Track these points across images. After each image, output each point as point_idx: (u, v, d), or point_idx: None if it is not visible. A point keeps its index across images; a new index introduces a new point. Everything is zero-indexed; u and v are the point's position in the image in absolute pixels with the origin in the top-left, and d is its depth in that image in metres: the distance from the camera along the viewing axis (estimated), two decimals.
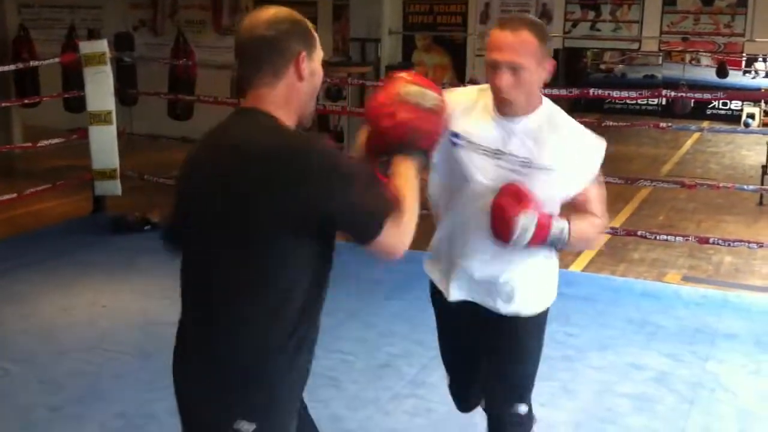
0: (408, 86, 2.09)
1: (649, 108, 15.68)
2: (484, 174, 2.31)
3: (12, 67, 7.60)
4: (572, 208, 2.39)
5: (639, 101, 15.20)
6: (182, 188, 1.96)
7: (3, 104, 8.08)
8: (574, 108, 14.51)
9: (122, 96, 8.14)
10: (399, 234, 1.85)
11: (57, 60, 8.05)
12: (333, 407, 3.88)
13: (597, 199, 2.40)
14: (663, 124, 7.46)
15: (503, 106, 2.26)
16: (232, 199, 1.80)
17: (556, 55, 11.04)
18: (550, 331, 4.65)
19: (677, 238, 6.13)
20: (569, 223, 2.30)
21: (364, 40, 9.66)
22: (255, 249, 1.80)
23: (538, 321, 2.60)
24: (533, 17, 2.31)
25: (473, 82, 9.44)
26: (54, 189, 7.24)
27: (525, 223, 2.21)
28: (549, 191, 2.30)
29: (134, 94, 8.99)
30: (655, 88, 9.72)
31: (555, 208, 2.36)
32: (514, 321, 2.52)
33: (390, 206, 1.85)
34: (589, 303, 5.25)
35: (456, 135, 2.36)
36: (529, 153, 2.29)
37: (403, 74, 2.16)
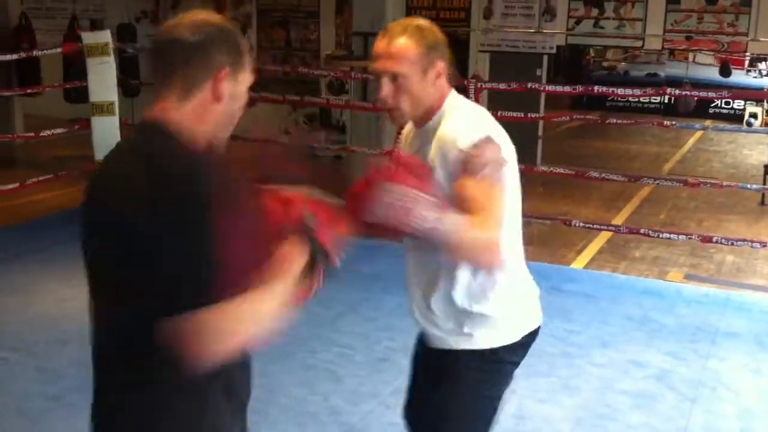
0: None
1: (652, 106, 15.66)
2: None
3: (13, 56, 7.57)
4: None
5: (641, 99, 15.17)
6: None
7: (4, 93, 8.05)
8: (577, 105, 14.52)
9: (125, 87, 8.12)
10: (204, 334, 1.42)
11: (59, 50, 8.03)
12: (333, 401, 3.87)
13: (477, 202, 1.96)
14: (666, 123, 7.45)
15: (394, 117, 2.13)
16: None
17: (558, 52, 11.08)
18: (551, 327, 4.69)
19: (679, 236, 6.12)
20: (446, 212, 1.90)
21: (367, 34, 9.62)
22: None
23: (478, 363, 2.16)
24: (420, 20, 2.13)
25: (476, 77, 9.43)
26: (56, 179, 7.23)
27: (396, 196, 1.86)
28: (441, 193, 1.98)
29: (137, 85, 8.97)
30: (659, 87, 9.70)
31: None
32: (444, 357, 2.19)
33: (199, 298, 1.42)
34: (591, 300, 5.25)
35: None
36: (424, 157, 2.09)
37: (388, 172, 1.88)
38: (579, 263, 6.21)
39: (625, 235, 6.42)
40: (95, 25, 9.71)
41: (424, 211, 1.86)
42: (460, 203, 1.95)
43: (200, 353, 1.43)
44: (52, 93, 9.46)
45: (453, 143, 2.03)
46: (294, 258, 1.55)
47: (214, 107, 1.57)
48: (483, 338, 2.15)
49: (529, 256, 6.41)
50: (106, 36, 7.01)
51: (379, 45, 2.10)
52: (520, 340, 2.21)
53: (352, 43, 9.88)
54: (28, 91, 8.91)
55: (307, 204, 1.61)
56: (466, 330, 2.14)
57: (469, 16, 9.89)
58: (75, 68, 7.72)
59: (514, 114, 6.24)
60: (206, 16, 1.60)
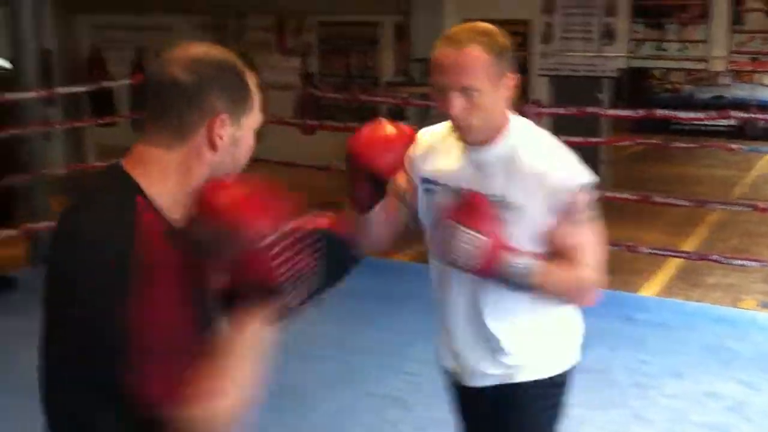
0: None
1: (719, 129, 15.36)
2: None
3: (83, 88, 7.78)
4: (555, 253, 1.94)
5: (707, 122, 14.88)
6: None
7: (75, 124, 8.27)
8: (640, 129, 14.31)
9: None
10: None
11: (127, 81, 8.23)
12: (402, 428, 3.84)
13: (583, 247, 1.92)
14: (733, 146, 7.28)
15: (464, 135, 1.92)
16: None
17: (621, 75, 10.97)
18: (623, 357, 4.59)
19: (753, 263, 5.95)
20: (537, 264, 1.85)
21: (426, 60, 9.66)
22: None
23: (543, 391, 2.08)
24: (485, 25, 1.91)
25: (536, 103, 9.38)
26: None
27: (471, 240, 1.79)
28: (524, 231, 1.91)
29: None
30: (723, 109, 9.52)
31: (533, 249, 1.93)
32: (507, 390, 2.07)
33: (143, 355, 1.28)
34: (663, 329, 5.12)
35: (427, 180, 2.05)
36: (501, 189, 1.92)
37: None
38: (650, 291, 6.08)
39: (695, 261, 6.27)
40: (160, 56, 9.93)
41: (514, 257, 1.82)
42: (563, 248, 1.90)
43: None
44: (126, 123, 9.71)
45: (558, 183, 1.89)
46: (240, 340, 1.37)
47: (209, 156, 1.38)
48: (553, 364, 2.08)
49: (602, 285, 6.29)
50: None
51: (445, 54, 1.85)
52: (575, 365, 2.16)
53: (411, 70, 9.93)
54: (99, 121, 9.14)
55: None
56: (532, 358, 2.06)
57: (527, 40, 9.86)
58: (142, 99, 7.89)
59: (573, 138, 6.18)
60: (205, 50, 1.41)
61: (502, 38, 1.90)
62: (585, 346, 4.61)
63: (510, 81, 1.89)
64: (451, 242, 1.80)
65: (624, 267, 6.48)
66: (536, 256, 1.87)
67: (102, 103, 9.91)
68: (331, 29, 11.07)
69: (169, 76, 1.36)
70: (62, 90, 7.52)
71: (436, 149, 2.05)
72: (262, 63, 11.25)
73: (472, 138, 1.92)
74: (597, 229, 1.95)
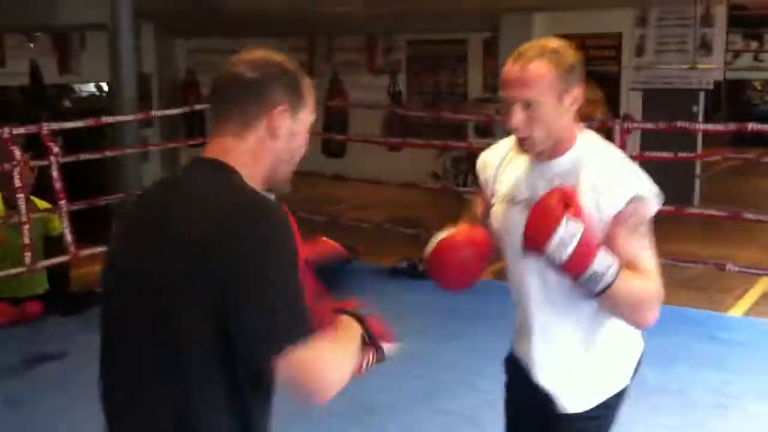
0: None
1: None
2: (517, 231, 1.95)
3: (177, 110, 8.09)
4: None
5: None
6: (117, 252, 1.60)
7: (170, 145, 8.61)
8: (738, 142, 13.84)
9: None
10: (319, 364, 1.44)
11: None
12: None
13: (642, 260, 1.90)
14: None
15: (525, 147, 1.95)
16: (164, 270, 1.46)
17: (717, 87, 10.69)
18: (705, 377, 4.46)
19: None
20: (619, 267, 1.83)
21: None
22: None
23: (583, 424, 2.05)
24: (554, 41, 1.94)
25: (627, 117, 9.22)
26: None
27: (568, 230, 1.77)
28: None
29: None
30: None
31: None
32: (554, 421, 2.07)
33: (307, 331, 1.42)
34: (748, 348, 4.94)
35: (501, 197, 2.08)
36: None
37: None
38: (738, 310, 5.88)
39: None
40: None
41: (603, 257, 1.80)
42: (619, 257, 1.86)
43: (322, 384, 1.46)
44: None
45: (614, 194, 1.88)
46: (352, 325, 1.61)
47: (272, 144, 1.55)
48: (598, 393, 2.06)
49: (685, 302, 6.13)
50: None
51: (511, 70, 1.89)
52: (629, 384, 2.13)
53: (498, 86, 9.92)
54: (192, 142, 9.48)
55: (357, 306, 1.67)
56: (597, 381, 2.05)
57: (620, 52, 9.72)
58: None
59: (663, 153, 6.05)
60: (267, 54, 1.58)
61: (570, 54, 1.92)
62: (666, 365, 4.53)
63: (576, 96, 1.92)
64: (544, 228, 1.78)
65: (716, 285, 6.29)
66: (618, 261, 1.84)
67: (195, 125, 10.29)
68: (419, 48, 11.18)
69: (235, 73, 1.54)
70: (158, 112, 7.85)
71: (505, 166, 2.08)
72: (351, 83, 11.47)
73: (534, 150, 1.94)
74: (652, 244, 1.93)
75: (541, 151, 1.94)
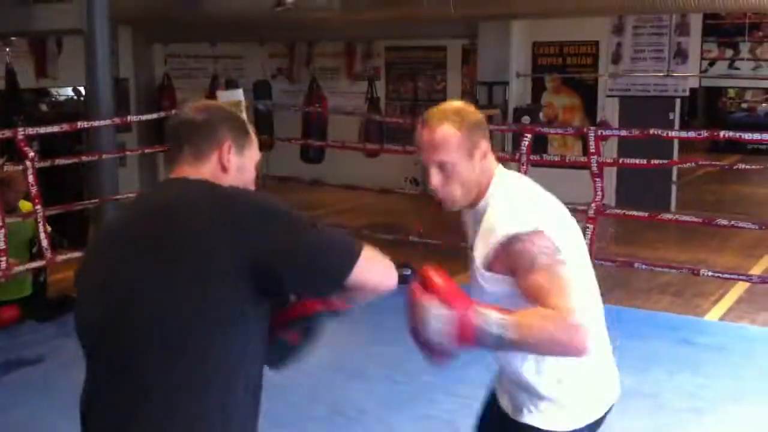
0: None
1: None
2: (472, 278, 2.08)
3: (154, 115, 8.04)
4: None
5: None
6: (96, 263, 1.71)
7: (147, 150, 8.56)
8: (714, 149, 14.00)
9: (259, 142, 8.46)
10: (379, 263, 1.72)
11: None
12: None
13: (545, 291, 1.86)
14: None
15: (444, 204, 2.09)
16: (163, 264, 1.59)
17: (693, 94, 10.75)
18: (680, 381, 4.50)
19: None
20: (509, 318, 1.77)
21: (492, 83, 9.70)
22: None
23: None
24: (456, 103, 2.09)
25: (603, 123, 9.29)
26: None
27: (434, 317, 1.78)
28: (498, 289, 1.96)
29: (269, 141, 9.34)
30: None
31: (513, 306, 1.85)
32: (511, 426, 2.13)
33: (357, 244, 1.67)
34: (723, 353, 4.99)
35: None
36: (476, 247, 2.04)
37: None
38: (714, 314, 5.94)
39: (764, 285, 6.10)
40: (229, 84, 10.22)
41: (480, 320, 1.75)
42: (527, 298, 1.86)
43: (390, 278, 1.74)
44: None
45: (494, 234, 1.94)
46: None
47: (224, 178, 1.73)
48: (548, 420, 2.07)
49: (662, 307, 6.15)
50: (239, 94, 7.37)
51: (422, 135, 2.05)
52: (583, 428, 2.09)
53: (477, 93, 9.97)
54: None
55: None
56: (532, 408, 2.08)
57: (597, 60, 9.80)
58: None
59: (638, 161, 6.10)
60: (214, 103, 1.94)
61: (472, 113, 2.07)
62: (641, 370, 4.56)
63: (484, 150, 2.04)
64: (422, 323, 1.79)
65: (693, 290, 6.35)
66: (506, 310, 1.79)
67: None
68: (398, 54, 11.21)
69: (185, 118, 1.77)
70: (135, 117, 7.80)
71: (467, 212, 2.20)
72: (330, 88, 11.47)
73: (456, 207, 2.10)
74: (561, 273, 1.88)
75: (464, 204, 2.09)
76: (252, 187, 1.79)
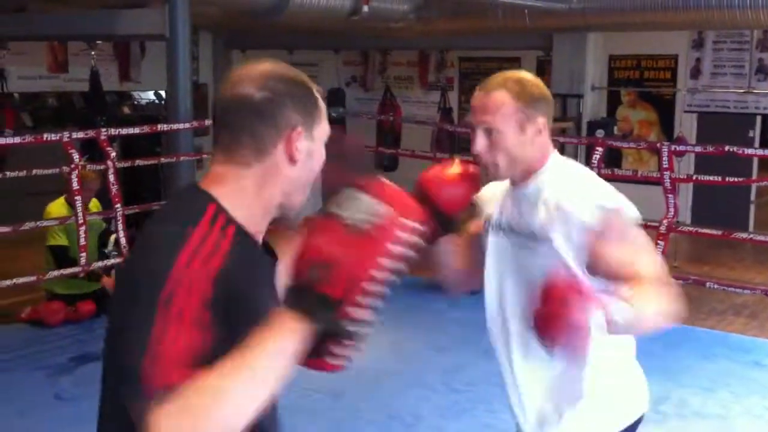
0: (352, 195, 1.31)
1: None
2: (500, 258, 2.02)
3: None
4: (612, 280, 1.84)
5: None
6: None
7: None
8: None
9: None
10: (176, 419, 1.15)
11: None
12: None
13: (640, 263, 1.86)
14: None
15: (491, 173, 1.99)
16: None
17: None
18: (748, 405, 4.39)
19: None
20: (625, 312, 1.72)
21: (566, 95, 9.62)
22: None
23: None
24: (521, 73, 2.02)
25: (680, 139, 9.12)
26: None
27: (578, 329, 1.67)
28: (563, 261, 1.88)
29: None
30: None
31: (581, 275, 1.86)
32: None
33: (164, 370, 1.18)
34: None
35: (485, 222, 2.11)
36: (534, 224, 1.95)
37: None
38: None
39: None
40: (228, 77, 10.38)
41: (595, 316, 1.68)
42: (613, 272, 1.83)
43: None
44: None
45: (581, 211, 1.88)
46: (281, 329, 1.24)
47: (289, 171, 1.37)
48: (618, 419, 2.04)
49: (735, 329, 6.03)
50: None
51: (475, 98, 1.98)
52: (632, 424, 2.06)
53: None
54: None
55: (331, 247, 1.25)
56: (570, 415, 1.99)
57: (675, 75, 9.62)
58: None
59: (712, 177, 5.97)
60: (273, 67, 1.39)
61: (536, 86, 1.98)
62: (708, 390, 4.47)
63: (540, 126, 1.96)
64: (560, 330, 1.67)
65: (765, 313, 6.19)
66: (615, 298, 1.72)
67: None
68: (472, 64, 11.20)
69: (241, 94, 1.35)
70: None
71: (496, 195, 2.10)
72: (403, 97, 11.54)
73: (499, 176, 2.00)
74: (649, 247, 1.94)
75: (510, 177, 2.00)
76: (315, 177, 1.43)
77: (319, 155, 1.41)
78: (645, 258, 1.90)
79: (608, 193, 1.95)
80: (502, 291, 2.04)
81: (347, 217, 1.27)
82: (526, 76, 2.00)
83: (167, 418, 1.14)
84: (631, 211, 1.93)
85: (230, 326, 1.25)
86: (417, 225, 1.29)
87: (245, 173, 1.36)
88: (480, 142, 1.95)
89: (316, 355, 1.27)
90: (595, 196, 1.92)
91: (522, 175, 1.99)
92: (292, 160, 1.37)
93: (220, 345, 1.21)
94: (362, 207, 1.27)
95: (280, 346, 1.23)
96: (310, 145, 1.39)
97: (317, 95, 1.42)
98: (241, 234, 1.34)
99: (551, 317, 1.66)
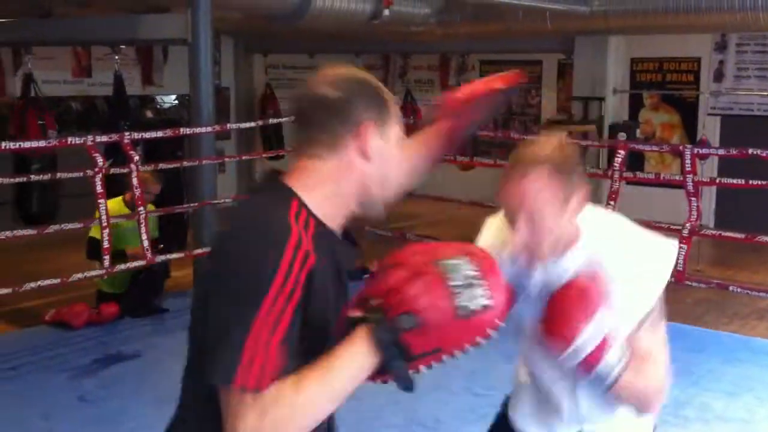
0: (451, 260, 1.35)
1: None
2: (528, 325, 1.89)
3: (252, 123, 8.26)
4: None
5: None
6: None
7: (245, 157, 8.81)
8: None
9: None
10: (261, 418, 1.28)
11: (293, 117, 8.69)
12: None
13: (656, 351, 1.82)
14: None
15: (531, 257, 1.81)
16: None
17: None
18: None
19: None
20: (625, 366, 1.75)
21: (587, 98, 9.59)
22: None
23: None
24: (555, 142, 1.79)
25: (703, 142, 9.05)
26: None
27: (595, 329, 1.69)
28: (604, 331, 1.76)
29: None
30: None
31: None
32: None
33: (257, 372, 1.28)
34: None
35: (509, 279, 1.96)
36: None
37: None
38: None
39: None
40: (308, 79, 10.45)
41: (612, 354, 1.72)
42: (636, 348, 1.78)
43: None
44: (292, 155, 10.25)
45: (649, 287, 1.79)
46: (355, 345, 1.34)
47: (363, 167, 1.44)
48: None
49: (759, 333, 5.95)
50: None
51: (510, 180, 1.76)
52: None
53: (572, 108, 9.87)
54: (267, 154, 9.69)
55: (419, 287, 1.32)
56: None
57: (698, 78, 9.56)
58: None
59: (735, 181, 5.91)
60: (347, 70, 1.50)
61: (573, 152, 1.80)
62: (732, 394, 4.43)
63: (582, 197, 1.79)
64: (571, 328, 1.70)
65: None
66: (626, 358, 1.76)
67: (272, 138, 10.50)
68: (493, 67, 11.19)
69: (318, 94, 1.45)
70: (235, 125, 8.03)
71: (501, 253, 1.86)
72: (424, 101, 11.55)
73: (540, 260, 1.82)
74: (663, 327, 1.85)
75: (546, 257, 1.82)
76: (394, 182, 1.49)
77: (395, 156, 1.49)
78: (660, 344, 1.84)
79: (656, 251, 1.85)
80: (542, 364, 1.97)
81: (457, 290, 1.32)
82: (558, 141, 1.80)
83: (252, 420, 1.27)
84: (667, 271, 1.84)
85: (305, 320, 1.35)
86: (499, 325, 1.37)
87: (321, 167, 1.44)
88: (523, 233, 1.75)
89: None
90: (654, 271, 1.81)
91: (560, 250, 1.81)
92: (364, 155, 1.44)
93: (299, 339, 1.33)
94: (472, 286, 1.33)
95: (357, 374, 1.34)
96: (383, 144, 1.45)
97: (388, 98, 1.49)
98: (321, 227, 1.42)
99: (565, 308, 1.68)
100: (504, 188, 1.78)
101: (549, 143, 1.79)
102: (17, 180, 6.27)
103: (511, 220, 1.78)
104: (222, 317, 1.31)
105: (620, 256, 1.80)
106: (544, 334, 1.76)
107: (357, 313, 1.37)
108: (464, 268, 1.34)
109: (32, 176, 6.24)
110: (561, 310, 1.71)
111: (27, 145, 6.55)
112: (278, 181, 1.46)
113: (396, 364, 1.34)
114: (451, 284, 1.32)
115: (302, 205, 1.41)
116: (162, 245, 6.29)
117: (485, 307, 1.33)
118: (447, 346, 1.35)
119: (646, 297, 1.79)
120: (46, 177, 6.48)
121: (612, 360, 1.73)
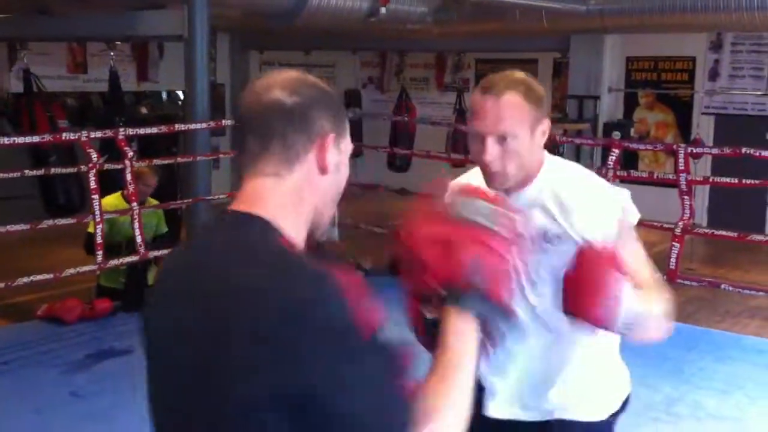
0: (469, 199, 1.43)
1: None
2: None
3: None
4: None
5: None
6: (150, 335, 1.40)
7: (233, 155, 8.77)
8: None
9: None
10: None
11: None
12: None
13: (645, 272, 1.89)
14: None
15: (494, 181, 1.87)
16: (205, 372, 1.17)
17: None
18: (763, 406, 4.37)
19: None
20: (641, 314, 1.78)
21: (582, 97, 9.61)
22: None
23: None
24: (523, 75, 1.90)
25: (697, 141, 9.07)
26: None
27: (620, 303, 1.73)
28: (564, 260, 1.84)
29: (358, 147, 9.48)
30: None
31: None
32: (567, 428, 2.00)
33: (409, 412, 1.15)
34: None
35: None
36: (542, 226, 1.89)
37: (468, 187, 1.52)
38: None
39: None
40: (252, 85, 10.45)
41: (630, 305, 1.73)
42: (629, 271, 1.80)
43: None
44: None
45: (617, 201, 1.91)
46: (460, 329, 1.32)
47: (320, 181, 1.27)
48: (596, 410, 2.03)
49: (750, 331, 5.99)
50: None
51: (482, 102, 1.84)
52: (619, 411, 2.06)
53: (567, 106, 9.89)
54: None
55: (474, 245, 1.35)
56: (577, 401, 2.00)
57: (693, 77, 9.59)
58: None
59: (728, 180, 5.93)
60: (300, 74, 1.30)
61: (539, 87, 1.90)
62: (724, 392, 4.45)
63: (546, 128, 1.89)
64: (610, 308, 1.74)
65: None
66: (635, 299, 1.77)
67: None
68: (489, 66, 11.20)
69: (271, 99, 1.25)
70: (229, 122, 8.00)
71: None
72: (419, 99, 11.57)
73: (505, 185, 1.88)
74: (641, 247, 1.93)
75: (511, 184, 1.89)
76: (341, 192, 1.33)
77: (346, 170, 1.32)
78: (644, 261, 1.91)
79: (619, 191, 1.98)
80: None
81: (477, 220, 1.40)
82: (525, 75, 1.92)
83: None
84: (635, 210, 1.95)
85: None
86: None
87: (279, 188, 1.25)
88: (493, 152, 1.83)
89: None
90: (615, 198, 1.93)
91: (521, 182, 1.91)
92: (323, 170, 1.27)
93: None
94: (485, 212, 1.41)
95: (474, 353, 1.31)
96: (339, 157, 1.29)
97: (342, 106, 1.35)
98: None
99: (584, 283, 1.72)
100: (478, 111, 1.85)
101: (518, 73, 1.91)
102: (12, 175, 6.24)
103: (479, 145, 1.84)
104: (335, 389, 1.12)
105: (578, 186, 1.92)
106: (570, 308, 1.78)
107: (432, 311, 1.40)
108: (480, 206, 1.42)
109: (26, 171, 6.22)
110: (588, 289, 1.74)
111: (21, 140, 6.53)
112: (244, 214, 1.24)
113: (501, 319, 1.38)
114: (483, 224, 1.39)
115: (285, 235, 1.24)
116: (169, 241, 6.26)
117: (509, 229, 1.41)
118: (503, 274, 1.38)
119: (606, 222, 1.87)
120: (39, 172, 6.49)
121: (628, 314, 1.74)
